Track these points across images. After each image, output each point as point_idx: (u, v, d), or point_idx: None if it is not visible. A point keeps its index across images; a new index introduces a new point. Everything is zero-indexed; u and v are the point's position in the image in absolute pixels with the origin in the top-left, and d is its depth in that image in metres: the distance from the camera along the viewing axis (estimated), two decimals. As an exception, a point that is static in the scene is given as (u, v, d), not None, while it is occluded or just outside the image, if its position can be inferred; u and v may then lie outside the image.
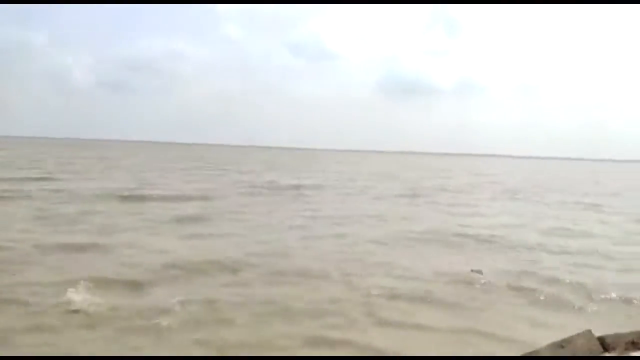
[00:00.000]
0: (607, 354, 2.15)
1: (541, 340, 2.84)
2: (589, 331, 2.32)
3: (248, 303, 4.72)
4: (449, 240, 8.76)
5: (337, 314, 4.55)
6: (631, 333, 2.23)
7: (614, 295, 5.40)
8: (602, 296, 5.38)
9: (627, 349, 2.14)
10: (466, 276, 6.05)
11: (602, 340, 2.26)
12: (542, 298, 5.30)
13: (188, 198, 13.39)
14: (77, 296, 4.60)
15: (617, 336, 2.24)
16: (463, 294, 5.35)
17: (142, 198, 12.94)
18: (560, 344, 2.34)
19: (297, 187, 18.15)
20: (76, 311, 4.29)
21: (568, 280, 6.02)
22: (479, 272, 6.32)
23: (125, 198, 12.63)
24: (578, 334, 2.32)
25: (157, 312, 4.31)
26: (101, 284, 5.07)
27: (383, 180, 24.75)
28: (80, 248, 6.81)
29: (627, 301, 5.26)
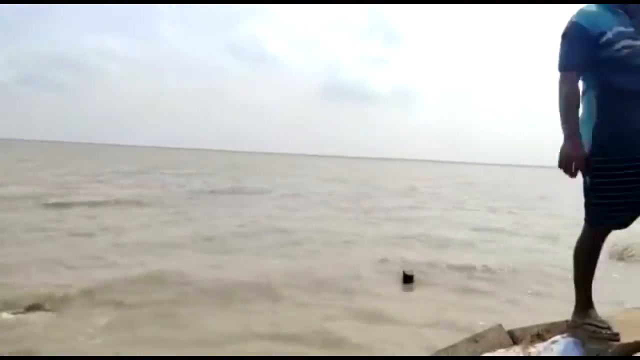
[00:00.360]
0: (514, 347, 2.29)
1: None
2: (500, 325, 2.47)
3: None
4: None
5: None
6: (537, 325, 2.39)
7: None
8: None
9: (532, 341, 2.29)
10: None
11: (511, 334, 2.41)
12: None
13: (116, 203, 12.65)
14: None
15: (524, 329, 2.39)
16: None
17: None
18: (474, 339, 2.46)
19: (234, 190, 17.88)
20: None
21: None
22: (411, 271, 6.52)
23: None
24: (490, 329, 2.46)
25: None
26: None
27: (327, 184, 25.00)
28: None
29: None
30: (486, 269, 6.82)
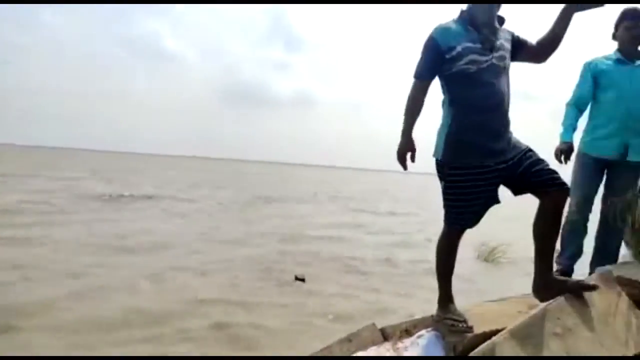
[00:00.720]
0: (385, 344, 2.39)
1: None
2: (373, 324, 2.56)
3: None
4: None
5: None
6: (405, 322, 2.53)
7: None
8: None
9: (401, 337, 2.42)
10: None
11: (383, 331, 2.51)
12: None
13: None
14: None
15: (394, 326, 2.51)
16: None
17: None
18: (349, 338, 2.53)
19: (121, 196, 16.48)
20: None
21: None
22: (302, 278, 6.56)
23: None
24: (364, 327, 2.55)
25: None
26: None
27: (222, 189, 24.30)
28: None
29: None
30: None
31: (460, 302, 2.44)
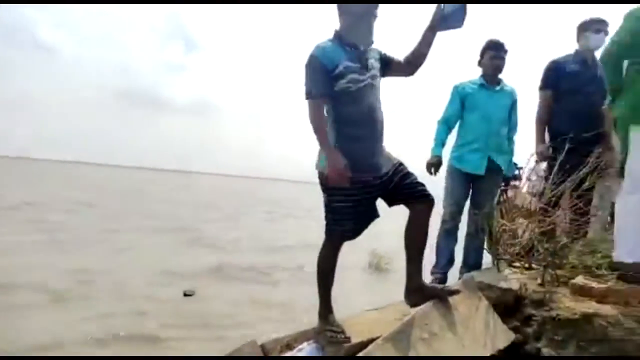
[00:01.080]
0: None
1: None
2: (254, 341, 2.50)
3: None
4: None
5: None
6: (287, 336, 2.51)
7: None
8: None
9: (281, 351, 2.39)
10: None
11: (263, 347, 2.46)
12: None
13: None
14: None
15: (275, 341, 2.47)
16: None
17: None
18: (231, 356, 2.44)
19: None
20: None
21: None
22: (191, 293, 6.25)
23: None
24: (244, 344, 2.48)
25: None
26: None
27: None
28: None
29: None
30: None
31: (347, 311, 2.48)
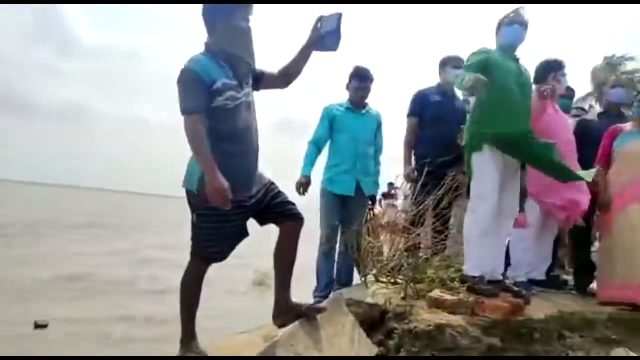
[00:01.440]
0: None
1: None
2: None
3: None
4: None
5: None
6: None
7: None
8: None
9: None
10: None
11: None
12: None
13: None
14: None
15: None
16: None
17: None
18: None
19: None
20: None
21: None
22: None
23: None
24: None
25: None
26: None
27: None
28: None
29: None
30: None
31: (227, 331, 2.31)
